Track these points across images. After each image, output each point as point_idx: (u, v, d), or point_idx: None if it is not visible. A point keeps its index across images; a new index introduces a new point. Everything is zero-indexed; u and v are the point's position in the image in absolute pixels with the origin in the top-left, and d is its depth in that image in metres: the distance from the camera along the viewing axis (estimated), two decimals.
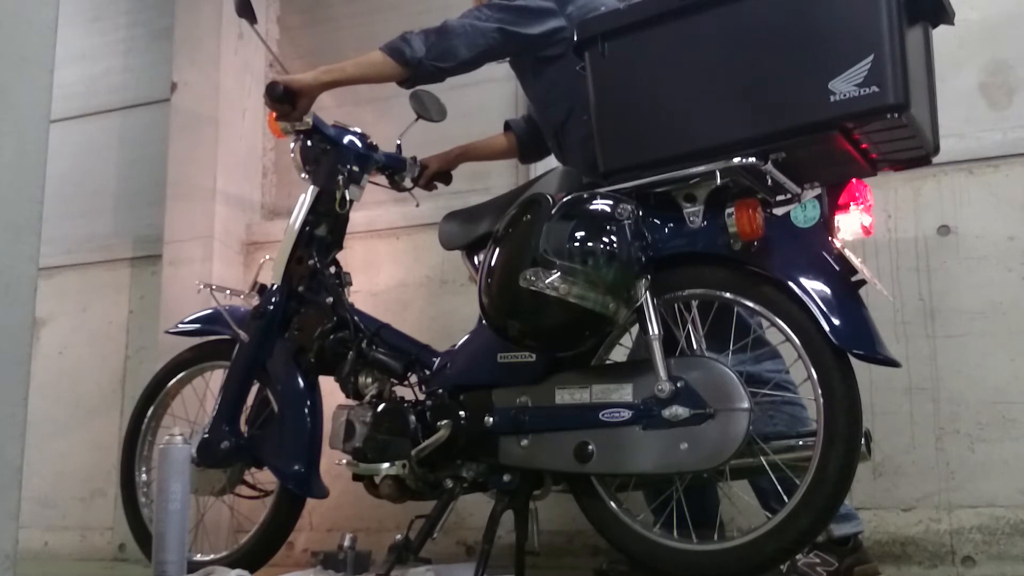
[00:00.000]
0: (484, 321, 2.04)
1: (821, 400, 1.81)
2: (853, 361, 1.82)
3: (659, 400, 1.89)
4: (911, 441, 2.59)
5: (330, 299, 2.48)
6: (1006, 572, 2.44)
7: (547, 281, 1.83)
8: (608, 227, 1.88)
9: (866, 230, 1.92)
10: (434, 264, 3.26)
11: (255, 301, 2.58)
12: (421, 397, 2.32)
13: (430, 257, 3.25)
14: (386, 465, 2.20)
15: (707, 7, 1.88)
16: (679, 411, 1.87)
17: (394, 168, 2.70)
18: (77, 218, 3.95)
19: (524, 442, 2.06)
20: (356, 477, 2.29)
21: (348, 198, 2.54)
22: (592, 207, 1.91)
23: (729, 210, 1.85)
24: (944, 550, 2.52)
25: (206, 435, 2.49)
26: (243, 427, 2.54)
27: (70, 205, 3.94)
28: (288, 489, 2.47)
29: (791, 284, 1.83)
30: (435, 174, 2.79)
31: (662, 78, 1.94)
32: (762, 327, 2.12)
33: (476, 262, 2.38)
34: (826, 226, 1.87)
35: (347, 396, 2.40)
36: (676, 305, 2.02)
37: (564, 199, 1.92)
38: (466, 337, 2.30)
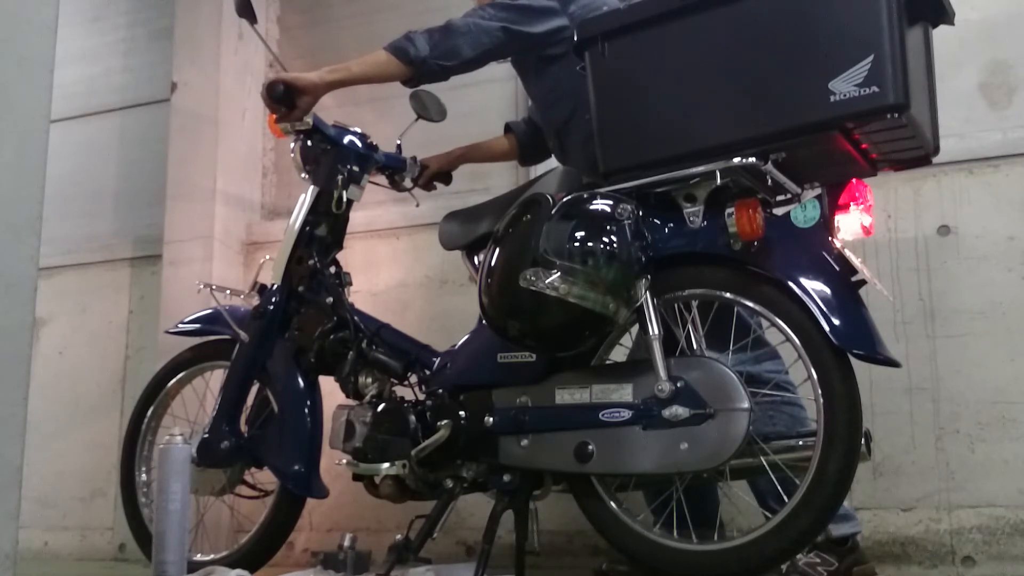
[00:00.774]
0: (484, 321, 2.04)
1: (821, 400, 1.81)
2: (853, 361, 1.82)
3: (659, 400, 1.89)
4: (911, 441, 2.60)
5: (330, 299, 2.48)
6: (1006, 572, 2.44)
7: (547, 281, 1.83)
8: (608, 227, 1.88)
9: (866, 230, 1.92)
10: (434, 264, 3.26)
11: (255, 301, 2.58)
12: (421, 397, 2.32)
13: (430, 257, 3.25)
14: (386, 465, 2.20)
15: (707, 7, 1.88)
16: (679, 411, 1.87)
17: (394, 168, 2.70)
18: (77, 218, 3.95)
19: (524, 442, 2.06)
20: (356, 477, 2.29)
21: (348, 198, 2.54)
22: (592, 207, 1.91)
23: (729, 210, 1.85)
24: (944, 550, 2.52)
25: (206, 435, 2.49)
26: (243, 427, 2.54)
27: (70, 205, 3.94)
28: (288, 489, 2.47)
29: (791, 284, 1.83)
30: (435, 174, 2.79)
31: (662, 78, 1.94)
32: (762, 327, 2.12)
33: (476, 262, 2.38)
34: (826, 226, 1.87)
35: (347, 396, 2.40)
36: (676, 305, 2.02)
37: (564, 199, 1.92)
38: (466, 337, 2.30)
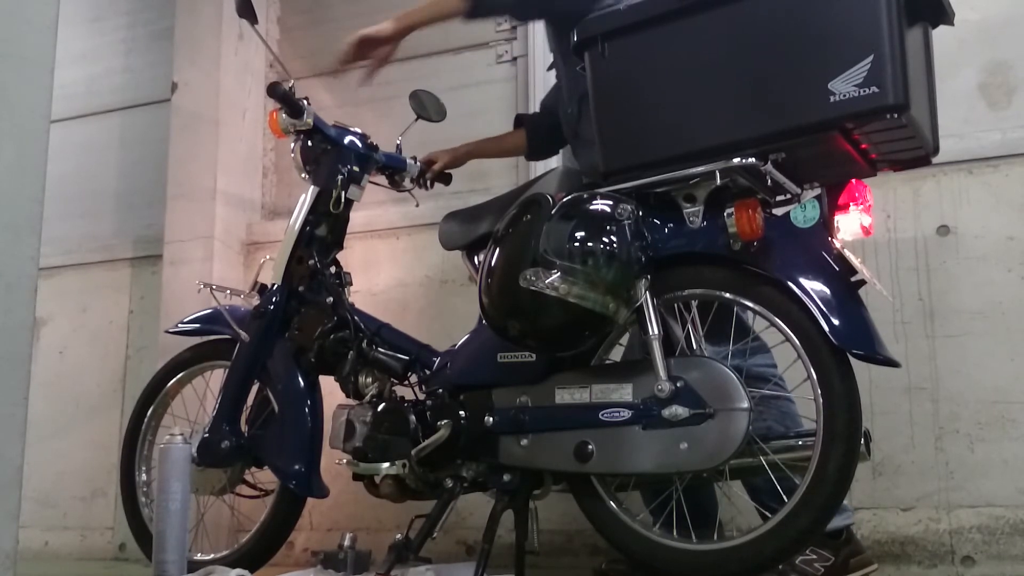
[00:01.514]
0: (484, 321, 2.05)
1: (821, 400, 1.81)
2: (853, 361, 1.82)
3: (659, 400, 1.89)
4: (910, 441, 2.60)
5: (330, 299, 2.48)
6: (1006, 572, 2.45)
7: (547, 281, 1.83)
8: (608, 227, 1.88)
9: (866, 230, 1.92)
10: (434, 264, 3.26)
11: (255, 301, 2.58)
12: (421, 397, 2.32)
13: (430, 257, 3.26)
14: (386, 465, 2.20)
15: (707, 7, 1.88)
16: (679, 411, 1.87)
17: (394, 168, 2.70)
18: (77, 218, 3.95)
19: (524, 442, 2.07)
20: (356, 477, 2.30)
21: (348, 198, 2.54)
22: (592, 207, 1.91)
23: (729, 210, 1.85)
24: (944, 550, 2.52)
25: (206, 435, 2.49)
26: (243, 427, 2.54)
27: (70, 205, 3.95)
28: (288, 488, 2.47)
29: (791, 284, 1.83)
30: (441, 171, 2.77)
31: (662, 78, 1.94)
32: (749, 320, 2.11)
33: (476, 262, 2.38)
34: (826, 226, 1.87)
35: (347, 396, 2.40)
36: (676, 305, 2.02)
37: (564, 199, 1.92)
38: (466, 337, 2.30)
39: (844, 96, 1.71)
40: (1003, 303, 2.56)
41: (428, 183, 2.78)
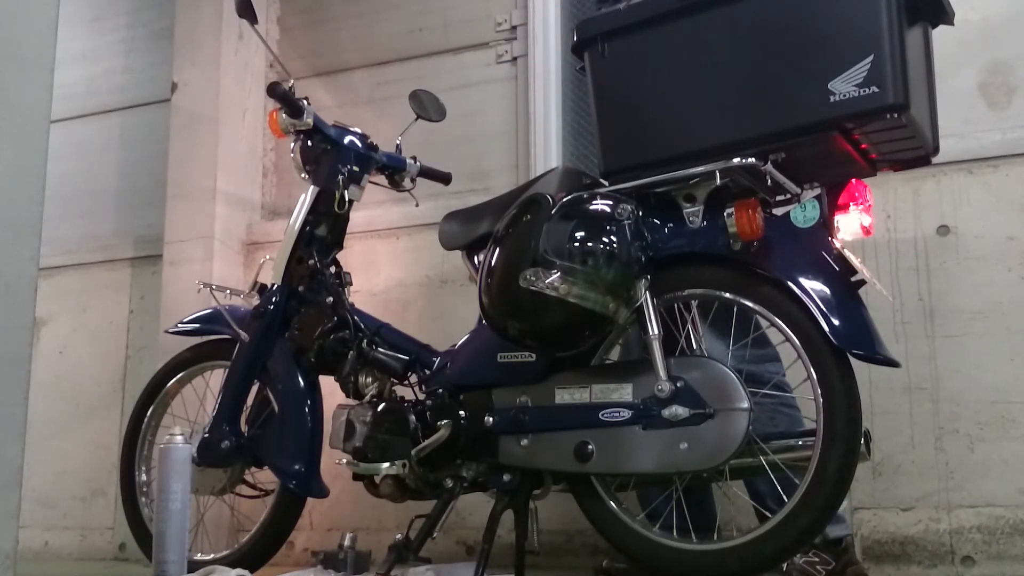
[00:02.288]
0: (484, 321, 2.05)
1: (821, 400, 1.81)
2: (853, 361, 1.82)
3: (659, 400, 1.89)
4: (910, 441, 2.60)
5: (330, 299, 2.48)
6: (1006, 572, 2.44)
7: (547, 281, 1.84)
8: (608, 227, 1.88)
9: (866, 230, 1.92)
10: (434, 264, 3.26)
11: (255, 301, 2.58)
12: (421, 397, 2.32)
13: (430, 257, 3.25)
14: (386, 465, 2.20)
15: (707, 7, 1.88)
16: (679, 411, 1.87)
17: (394, 168, 2.70)
18: (77, 218, 3.95)
19: (524, 442, 2.07)
20: (356, 477, 2.30)
21: (348, 198, 2.54)
22: (592, 207, 1.91)
23: (729, 210, 1.85)
24: (944, 550, 2.52)
25: (206, 435, 2.50)
26: (243, 427, 2.55)
27: (70, 205, 3.94)
28: (288, 488, 2.47)
29: (791, 284, 1.84)
30: None
31: (662, 78, 1.94)
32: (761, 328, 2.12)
33: (476, 262, 2.38)
34: (826, 226, 1.88)
35: (347, 396, 2.40)
36: (676, 305, 2.02)
37: (564, 199, 1.92)
38: (466, 337, 2.30)
39: (844, 96, 1.72)
40: (1003, 303, 2.56)
41: None
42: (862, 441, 1.83)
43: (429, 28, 3.50)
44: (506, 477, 2.11)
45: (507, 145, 3.27)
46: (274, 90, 2.45)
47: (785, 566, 2.13)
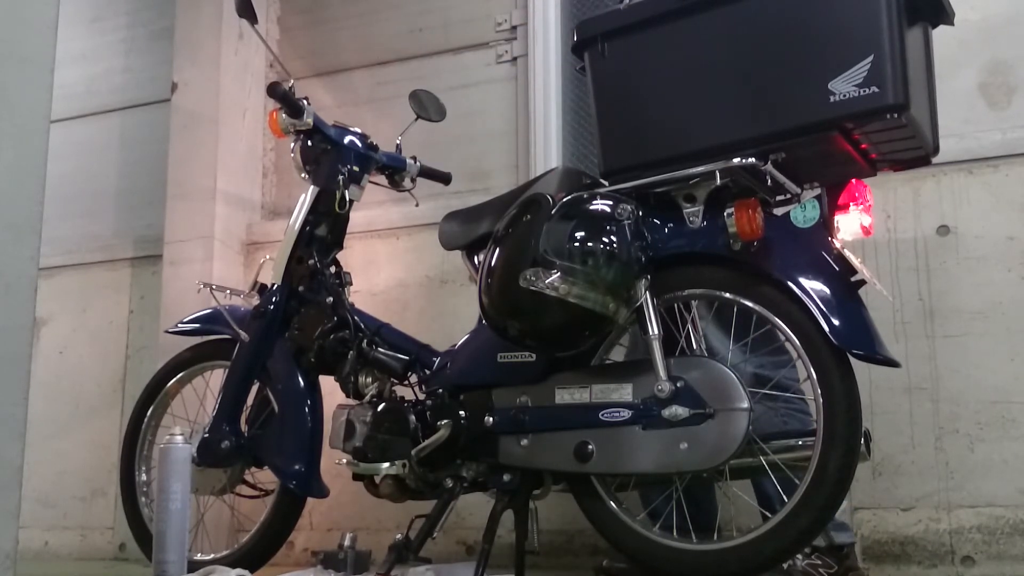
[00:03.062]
0: (484, 321, 2.05)
1: (821, 400, 1.81)
2: (853, 361, 1.82)
3: (659, 400, 1.89)
4: (911, 441, 2.60)
5: (330, 299, 2.48)
6: (1006, 572, 2.44)
7: (547, 281, 1.83)
8: (608, 227, 1.88)
9: (866, 230, 1.92)
10: (434, 264, 3.26)
11: (255, 301, 2.58)
12: (421, 397, 2.32)
13: (430, 257, 3.26)
14: (386, 465, 2.20)
15: (707, 7, 1.88)
16: (679, 411, 1.87)
17: (394, 168, 2.70)
18: (77, 218, 3.95)
19: (524, 442, 2.07)
20: (356, 477, 2.30)
21: (348, 198, 2.54)
22: (592, 207, 1.91)
23: (729, 210, 1.85)
24: (944, 550, 2.52)
25: (206, 435, 2.49)
26: (243, 427, 2.55)
27: (70, 205, 3.94)
28: (288, 488, 2.47)
29: (791, 284, 1.84)
30: None
31: (662, 78, 1.94)
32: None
33: (476, 262, 2.38)
34: (826, 226, 1.87)
35: (347, 396, 2.40)
36: (676, 305, 2.02)
37: (564, 199, 1.92)
38: (466, 337, 2.30)
39: (844, 96, 1.72)
40: (1003, 303, 2.56)
41: None
42: (862, 441, 1.83)
43: (429, 28, 3.50)
44: (506, 477, 2.11)
45: (507, 145, 3.27)
46: (274, 90, 2.45)
47: (787, 568, 2.13)
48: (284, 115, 2.51)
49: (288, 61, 3.57)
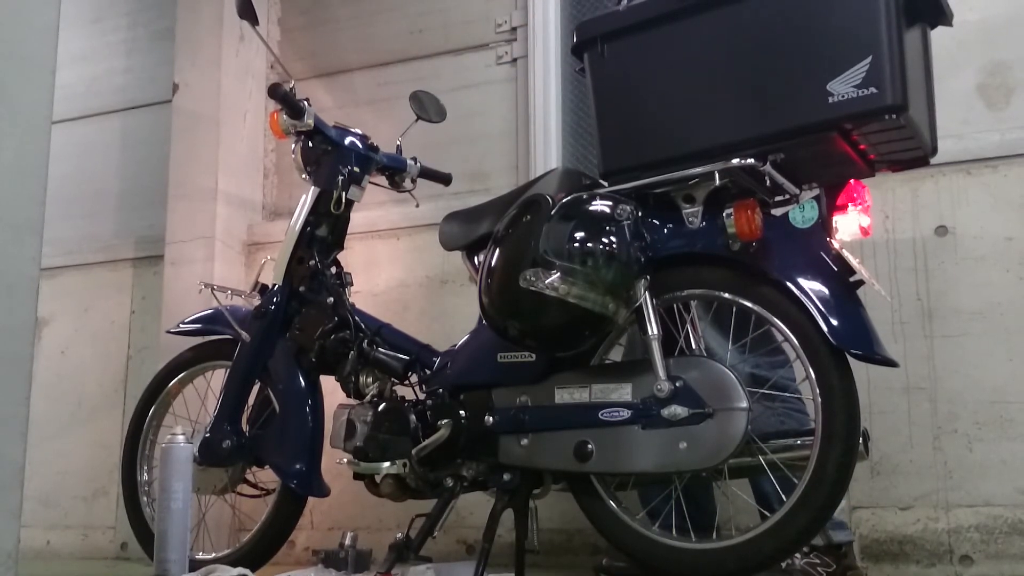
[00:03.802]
0: (484, 321, 2.05)
1: (819, 399, 1.82)
2: (851, 361, 1.83)
3: (658, 400, 1.90)
4: (909, 440, 2.60)
5: (331, 299, 2.48)
6: (1004, 571, 2.45)
7: (547, 281, 1.84)
8: (607, 228, 1.89)
9: (864, 231, 1.92)
10: (434, 264, 3.27)
11: (256, 301, 2.58)
12: (421, 396, 2.32)
13: (430, 257, 3.26)
14: (387, 464, 2.21)
15: (706, 8, 1.89)
16: (678, 410, 1.88)
17: (395, 169, 2.71)
18: (79, 219, 3.96)
19: (524, 441, 2.07)
20: (357, 476, 2.30)
21: (349, 199, 2.55)
22: (591, 208, 1.92)
23: (728, 211, 1.85)
24: (942, 549, 2.53)
25: (208, 434, 2.50)
26: (244, 426, 2.55)
27: (72, 206, 3.95)
28: (289, 488, 2.47)
29: (789, 284, 1.84)
30: None
31: (661, 79, 1.95)
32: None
33: (476, 262, 2.38)
34: (824, 227, 1.88)
35: (348, 395, 2.41)
36: (675, 305, 2.03)
37: (564, 200, 1.93)
38: (466, 337, 2.31)
39: (843, 97, 1.72)
40: (1001, 303, 2.57)
41: None
42: (860, 440, 1.83)
43: (429, 29, 3.50)
44: (506, 476, 2.12)
45: (507, 146, 3.28)
46: (275, 91, 2.46)
47: (785, 567, 2.14)
48: (285, 116, 2.51)
49: (289, 62, 3.58)
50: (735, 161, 1.83)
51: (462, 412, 2.17)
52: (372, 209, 3.24)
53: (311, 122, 2.50)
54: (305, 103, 2.51)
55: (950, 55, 2.60)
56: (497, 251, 1.97)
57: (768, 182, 1.88)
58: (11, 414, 1.46)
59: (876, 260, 2.67)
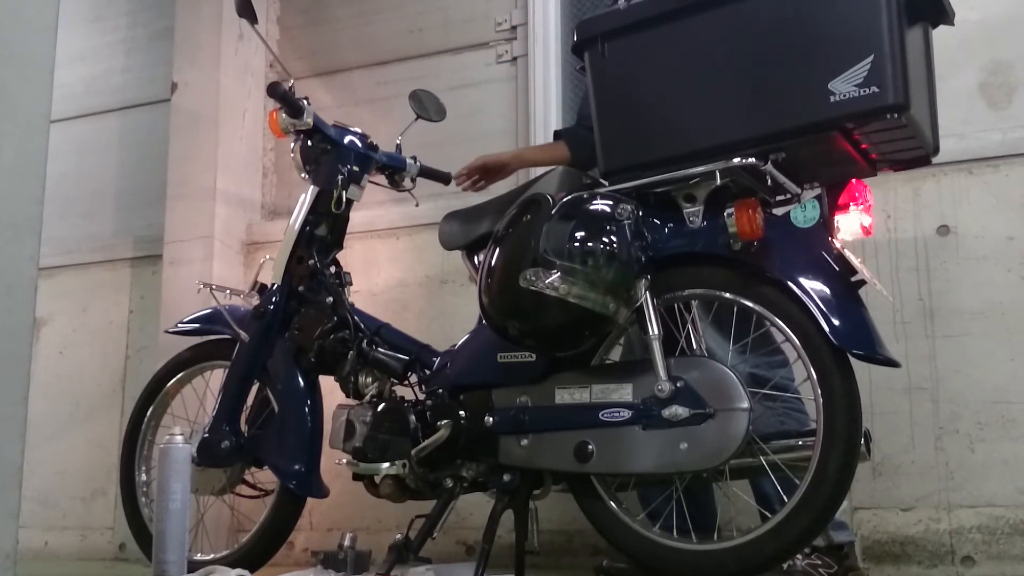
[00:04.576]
0: (484, 321, 2.05)
1: (821, 400, 1.81)
2: (853, 361, 1.82)
3: (659, 400, 1.89)
4: (911, 441, 2.60)
5: (330, 299, 2.48)
6: (1006, 572, 2.45)
7: (547, 281, 1.83)
8: (608, 227, 1.88)
9: (866, 230, 1.92)
10: (434, 264, 3.26)
11: (255, 301, 2.58)
12: (421, 397, 2.32)
13: (430, 257, 3.26)
14: (386, 465, 2.20)
15: (707, 7, 1.88)
16: (679, 411, 1.87)
17: (394, 168, 2.70)
18: (77, 218, 3.95)
19: (524, 442, 2.07)
20: (356, 477, 2.30)
21: (348, 198, 2.54)
22: (592, 207, 1.91)
23: (729, 210, 1.85)
24: (944, 550, 2.52)
25: (206, 435, 2.49)
26: (243, 427, 2.54)
27: (70, 205, 3.95)
28: (288, 488, 2.47)
29: (791, 284, 1.83)
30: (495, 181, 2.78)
31: (662, 78, 1.94)
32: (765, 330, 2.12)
33: (476, 262, 2.38)
34: (826, 226, 1.87)
35: (347, 396, 2.41)
36: (676, 305, 2.02)
37: (564, 199, 1.92)
38: (466, 337, 2.30)
39: (844, 96, 1.71)
40: (1003, 303, 2.56)
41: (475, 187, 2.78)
42: (862, 441, 1.82)
43: (429, 28, 3.50)
44: (506, 477, 2.11)
45: (507, 145, 3.27)
46: (274, 90, 2.45)
47: (787, 568, 2.13)
48: (284, 115, 2.51)
49: (288, 61, 3.57)
50: (736, 160, 1.82)
51: (462, 412, 2.17)
52: (371, 208, 3.24)
53: (310, 121, 2.50)
54: (304, 102, 2.50)
55: (951, 54, 2.60)
56: (497, 251, 1.96)
57: (769, 181, 1.87)
58: (9, 414, 1.46)
59: (878, 260, 2.67)
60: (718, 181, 1.85)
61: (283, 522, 2.54)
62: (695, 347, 2.04)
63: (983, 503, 2.51)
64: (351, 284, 2.59)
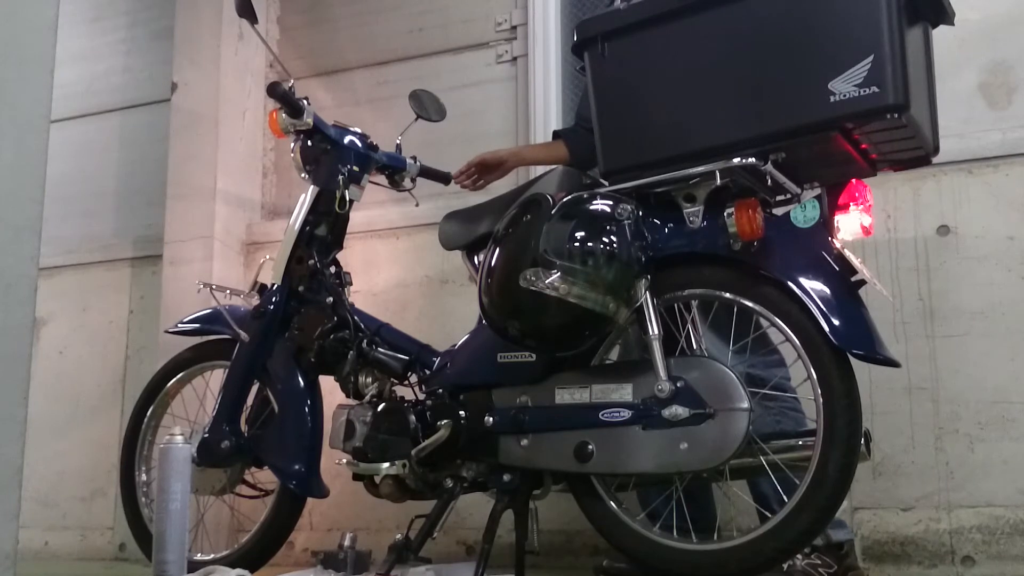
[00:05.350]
0: (484, 321, 2.05)
1: (821, 400, 1.81)
2: (853, 361, 1.82)
3: (659, 400, 1.89)
4: (911, 441, 2.60)
5: (330, 299, 2.48)
6: (1006, 572, 2.44)
7: (547, 281, 1.83)
8: (608, 227, 1.88)
9: (866, 230, 1.92)
10: (434, 264, 3.26)
11: (255, 301, 2.58)
12: (421, 397, 2.32)
13: (430, 257, 3.26)
14: (386, 465, 2.20)
15: (707, 7, 1.88)
16: (679, 411, 1.87)
17: (394, 168, 2.70)
18: (77, 218, 3.95)
19: (524, 442, 2.07)
20: (356, 477, 2.30)
21: (348, 198, 2.54)
22: (592, 207, 1.91)
23: (729, 210, 1.85)
24: (944, 550, 2.52)
25: (206, 435, 2.49)
26: (243, 427, 2.54)
27: (70, 205, 3.94)
28: (288, 488, 2.46)
29: (791, 284, 1.83)
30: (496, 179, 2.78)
31: (662, 78, 1.94)
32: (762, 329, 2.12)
33: (476, 262, 2.38)
34: (826, 226, 1.87)
35: (347, 396, 2.41)
36: (676, 305, 2.02)
37: (564, 199, 1.92)
38: (466, 337, 2.30)
39: (844, 96, 1.71)
40: (1003, 303, 2.56)
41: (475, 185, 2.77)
42: (862, 441, 1.82)
43: (429, 28, 3.50)
44: (506, 477, 2.11)
45: (507, 145, 3.26)
46: (274, 90, 2.45)
47: (786, 567, 2.13)
48: (284, 115, 2.51)
49: (288, 61, 3.57)
50: (736, 160, 1.82)
51: (462, 412, 2.17)
52: (371, 208, 3.23)
53: (310, 121, 2.49)
54: (304, 102, 2.50)
55: (951, 54, 2.60)
56: (497, 250, 1.96)
57: (769, 181, 1.87)
58: (9, 414, 1.45)
59: (878, 260, 2.67)
60: (718, 181, 1.85)
61: (283, 522, 2.53)
62: (695, 347, 2.04)
63: (983, 503, 2.51)
64: (351, 284, 2.59)
